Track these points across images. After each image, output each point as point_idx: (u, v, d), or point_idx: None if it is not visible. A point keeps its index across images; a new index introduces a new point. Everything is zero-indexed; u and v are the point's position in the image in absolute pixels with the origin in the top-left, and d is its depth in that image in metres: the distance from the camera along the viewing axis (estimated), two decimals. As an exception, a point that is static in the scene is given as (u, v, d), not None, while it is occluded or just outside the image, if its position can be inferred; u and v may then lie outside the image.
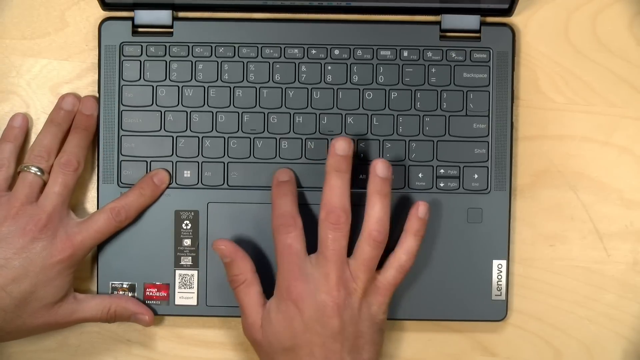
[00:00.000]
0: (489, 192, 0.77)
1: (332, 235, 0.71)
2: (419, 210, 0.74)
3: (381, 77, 0.77)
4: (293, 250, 0.72)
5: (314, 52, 0.77)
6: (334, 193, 0.72)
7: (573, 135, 0.79)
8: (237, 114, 0.77)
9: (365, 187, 0.76)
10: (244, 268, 0.74)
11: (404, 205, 0.76)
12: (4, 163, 0.75)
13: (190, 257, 0.77)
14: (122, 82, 0.77)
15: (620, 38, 0.79)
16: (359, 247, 0.72)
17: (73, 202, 0.78)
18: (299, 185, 0.76)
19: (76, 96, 0.77)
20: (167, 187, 0.77)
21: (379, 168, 0.72)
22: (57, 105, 0.76)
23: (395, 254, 0.73)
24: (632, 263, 0.79)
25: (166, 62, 0.77)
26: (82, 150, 0.75)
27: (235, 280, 0.74)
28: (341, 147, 0.72)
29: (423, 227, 0.74)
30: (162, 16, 0.77)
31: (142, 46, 0.77)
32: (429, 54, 0.77)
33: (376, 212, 0.72)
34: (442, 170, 0.77)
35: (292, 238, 0.72)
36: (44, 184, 0.74)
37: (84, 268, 0.78)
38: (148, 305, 0.77)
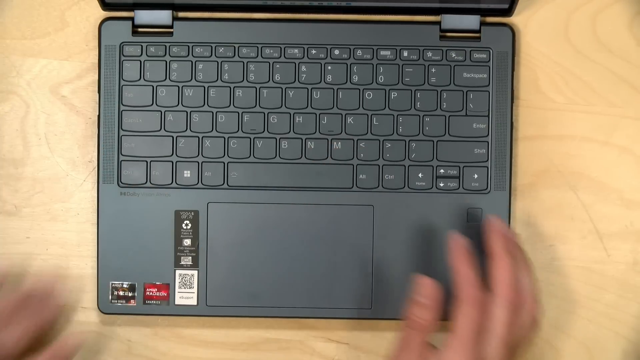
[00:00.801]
0: (489, 192, 0.77)
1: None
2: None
3: (381, 77, 0.77)
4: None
5: (314, 52, 0.77)
6: (512, 275, 0.69)
7: (573, 135, 0.79)
8: (237, 114, 0.77)
9: (364, 188, 0.76)
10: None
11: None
12: None
13: (190, 257, 0.77)
14: (122, 82, 0.77)
15: (620, 38, 0.79)
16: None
17: (73, 201, 0.78)
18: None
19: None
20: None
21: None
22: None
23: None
24: (632, 263, 0.79)
25: (166, 62, 0.77)
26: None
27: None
28: (500, 226, 0.72)
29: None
30: (162, 16, 0.77)
31: (142, 46, 0.77)
32: (429, 54, 0.77)
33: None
34: (442, 170, 0.77)
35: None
36: None
37: (84, 268, 0.78)
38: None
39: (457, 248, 0.71)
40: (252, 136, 0.77)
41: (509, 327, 0.69)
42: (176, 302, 0.77)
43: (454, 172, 0.77)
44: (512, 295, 0.69)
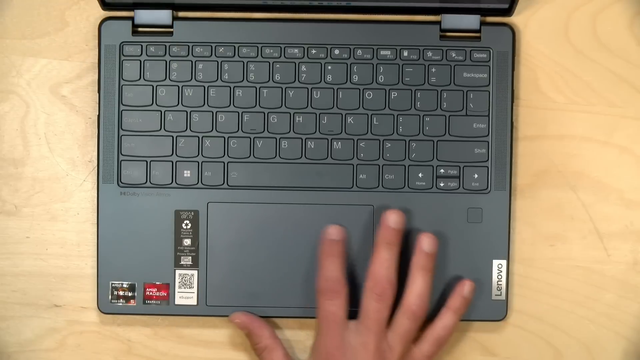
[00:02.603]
0: (489, 192, 0.77)
1: (376, 306, 0.72)
2: (465, 289, 0.75)
3: (381, 77, 0.77)
4: (336, 318, 0.73)
5: (314, 52, 0.77)
6: (383, 266, 0.73)
7: (573, 135, 0.79)
8: (237, 114, 0.77)
9: (364, 188, 0.76)
10: (262, 336, 0.75)
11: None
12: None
13: (190, 257, 0.77)
14: (122, 82, 0.77)
15: (620, 38, 0.79)
16: (397, 319, 0.73)
17: (73, 201, 0.78)
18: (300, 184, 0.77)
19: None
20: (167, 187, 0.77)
21: (426, 243, 0.74)
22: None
23: (433, 328, 0.74)
24: (632, 263, 0.79)
25: (166, 62, 0.77)
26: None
27: (257, 349, 0.76)
28: (393, 220, 0.73)
29: (466, 306, 0.75)
30: (162, 16, 0.77)
31: (142, 46, 0.77)
32: (429, 53, 0.77)
33: (418, 287, 0.73)
34: (442, 170, 0.77)
35: (337, 306, 0.73)
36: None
37: (84, 268, 0.79)
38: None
39: (325, 243, 0.74)
40: (252, 136, 0.77)
41: (376, 314, 0.72)
42: (176, 302, 0.77)
43: (454, 172, 0.77)
44: (371, 284, 0.72)
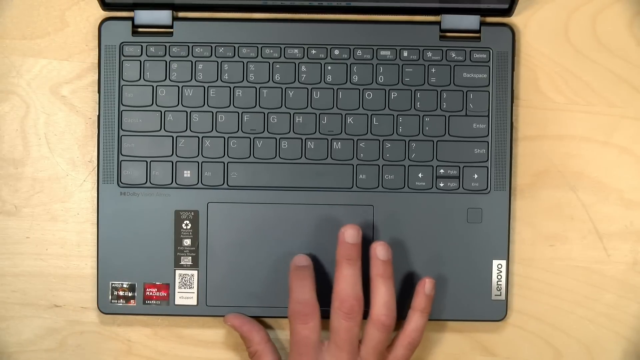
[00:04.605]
0: (488, 192, 0.77)
1: (345, 324, 0.72)
2: (426, 287, 0.74)
3: (381, 77, 0.77)
4: (309, 342, 0.73)
5: (314, 52, 0.77)
6: (348, 283, 0.72)
7: (573, 135, 0.79)
8: (237, 114, 0.77)
9: (364, 188, 0.76)
10: (254, 340, 0.76)
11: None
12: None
13: (190, 257, 0.77)
14: (122, 82, 0.77)
15: (620, 38, 0.79)
16: (367, 332, 0.73)
17: (73, 201, 0.78)
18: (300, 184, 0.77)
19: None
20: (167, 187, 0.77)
21: (380, 251, 0.73)
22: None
23: (404, 332, 0.74)
24: (632, 263, 0.79)
25: (166, 62, 0.77)
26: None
27: (249, 353, 0.76)
28: (350, 235, 0.72)
29: (430, 304, 0.74)
30: (162, 16, 0.77)
31: (142, 46, 0.77)
32: (429, 54, 0.77)
33: (382, 296, 0.73)
34: (442, 170, 0.77)
35: (310, 329, 0.73)
36: None
37: (84, 268, 0.79)
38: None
39: (293, 269, 0.74)
40: (252, 136, 0.77)
41: (347, 333, 0.72)
42: (176, 302, 0.77)
43: (454, 172, 0.77)
44: (338, 304, 0.72)
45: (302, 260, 0.74)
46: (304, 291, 0.73)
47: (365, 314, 0.73)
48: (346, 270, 0.72)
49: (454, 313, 0.77)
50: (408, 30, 0.77)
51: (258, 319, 0.78)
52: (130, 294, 0.77)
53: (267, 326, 0.79)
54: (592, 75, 0.79)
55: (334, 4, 0.76)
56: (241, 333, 0.76)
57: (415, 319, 0.74)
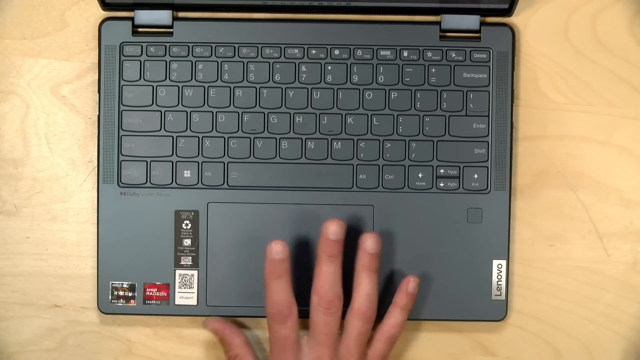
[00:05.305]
0: (489, 192, 0.77)
1: (324, 319, 0.72)
2: (409, 286, 0.74)
3: (381, 77, 0.77)
4: (288, 341, 0.73)
5: (314, 52, 0.77)
6: (327, 280, 0.72)
7: (573, 135, 0.79)
8: (237, 114, 0.77)
9: (364, 188, 0.76)
10: (234, 343, 0.75)
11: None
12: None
13: (190, 257, 0.77)
14: (122, 82, 0.77)
15: (620, 38, 0.79)
16: (348, 323, 0.73)
17: (73, 201, 0.78)
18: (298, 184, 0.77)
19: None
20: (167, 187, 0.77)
21: (369, 244, 0.73)
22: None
23: (383, 327, 0.74)
24: (632, 263, 0.79)
25: (166, 62, 0.77)
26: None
27: (228, 357, 0.76)
28: (333, 231, 0.72)
29: (412, 302, 0.74)
30: (162, 16, 0.77)
31: (142, 46, 0.77)
32: (429, 54, 0.77)
33: (365, 288, 0.73)
34: (442, 170, 0.77)
35: (289, 328, 0.73)
36: None
37: (84, 268, 0.79)
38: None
39: (269, 262, 0.72)
40: (252, 136, 0.77)
41: (326, 327, 0.72)
42: (176, 302, 0.77)
43: (454, 172, 0.77)
44: (318, 299, 0.72)
45: (278, 250, 0.72)
46: (280, 291, 0.72)
47: (346, 309, 0.73)
48: (326, 267, 0.72)
49: (454, 313, 0.77)
50: (408, 30, 0.77)
51: (258, 318, 0.78)
52: (130, 294, 0.77)
53: (267, 325, 0.79)
54: (592, 75, 0.79)
55: (334, 4, 0.76)
56: (222, 336, 0.76)
57: (395, 315, 0.74)
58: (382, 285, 0.77)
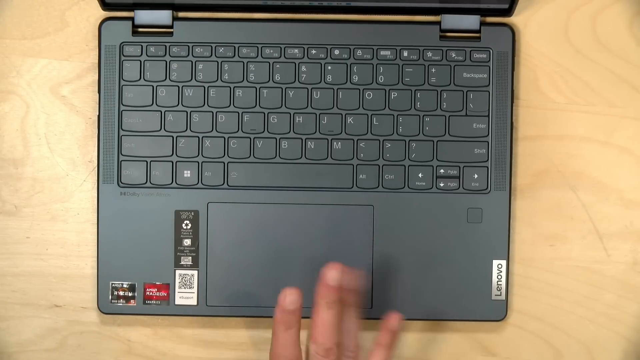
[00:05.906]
0: (489, 192, 0.77)
1: None
2: (392, 323, 0.71)
3: (381, 77, 0.77)
4: None
5: (314, 52, 0.77)
6: (325, 328, 0.70)
7: (573, 135, 0.79)
8: (237, 114, 0.77)
9: (364, 188, 0.76)
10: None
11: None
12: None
13: (190, 257, 0.77)
14: (122, 82, 0.77)
15: (620, 38, 0.79)
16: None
17: (73, 201, 0.78)
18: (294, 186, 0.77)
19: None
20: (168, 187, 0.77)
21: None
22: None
23: None
24: (632, 263, 0.79)
25: (166, 62, 0.77)
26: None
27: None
28: (331, 277, 0.69)
29: (395, 339, 0.72)
30: (162, 16, 0.77)
31: (142, 46, 0.77)
32: (429, 54, 0.77)
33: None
34: (442, 170, 0.77)
35: None
36: None
37: (84, 268, 0.79)
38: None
39: (279, 311, 0.70)
40: (252, 136, 0.77)
41: None
42: (176, 302, 0.77)
43: (454, 172, 0.77)
44: (315, 347, 0.70)
45: (292, 300, 0.69)
46: (287, 344, 0.70)
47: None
48: (324, 314, 0.69)
49: (454, 313, 0.77)
50: (408, 30, 0.77)
51: (258, 318, 0.78)
52: (130, 294, 0.77)
53: (267, 326, 0.79)
54: (592, 75, 0.79)
55: (334, 4, 0.77)
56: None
57: (378, 354, 0.72)
58: (382, 287, 0.77)
